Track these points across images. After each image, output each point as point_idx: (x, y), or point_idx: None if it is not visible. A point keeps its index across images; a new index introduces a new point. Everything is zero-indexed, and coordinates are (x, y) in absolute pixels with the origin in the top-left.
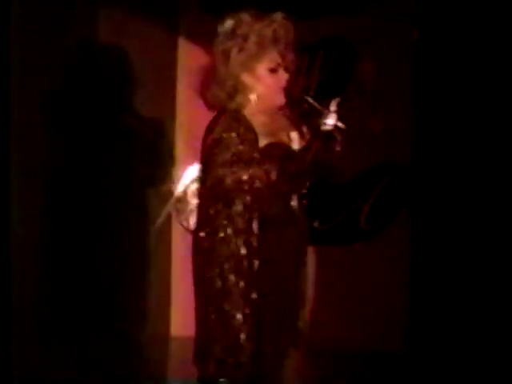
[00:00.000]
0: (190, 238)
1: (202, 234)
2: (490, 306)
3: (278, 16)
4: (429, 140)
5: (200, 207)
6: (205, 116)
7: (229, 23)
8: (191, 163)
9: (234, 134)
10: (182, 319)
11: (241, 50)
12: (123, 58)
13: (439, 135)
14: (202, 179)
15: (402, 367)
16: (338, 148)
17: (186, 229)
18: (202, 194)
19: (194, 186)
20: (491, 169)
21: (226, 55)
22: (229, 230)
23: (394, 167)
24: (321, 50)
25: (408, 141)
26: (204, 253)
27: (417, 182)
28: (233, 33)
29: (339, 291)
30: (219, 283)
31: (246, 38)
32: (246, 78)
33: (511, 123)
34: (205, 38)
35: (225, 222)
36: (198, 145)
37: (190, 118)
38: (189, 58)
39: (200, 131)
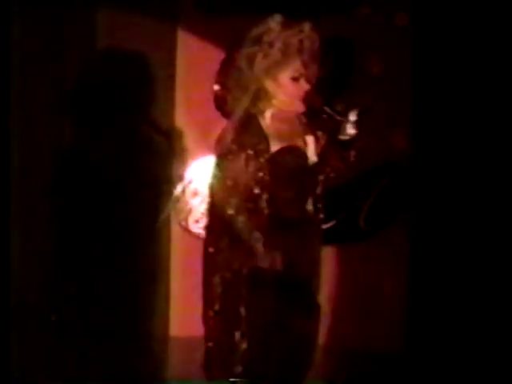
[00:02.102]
0: (189, 237)
1: (209, 238)
2: (489, 306)
3: (306, 26)
4: (428, 140)
5: (210, 211)
6: (204, 116)
7: (256, 28)
8: (190, 163)
9: (246, 143)
10: (181, 319)
11: (266, 56)
12: (122, 58)
13: (439, 135)
14: (213, 185)
15: (401, 367)
16: (352, 158)
17: (185, 228)
18: (211, 196)
19: (193, 186)
20: (492, 169)
21: (251, 60)
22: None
23: (394, 167)
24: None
25: (407, 141)
26: (212, 256)
27: (416, 181)
28: (259, 38)
29: (338, 291)
30: (225, 288)
31: (271, 45)
32: (269, 84)
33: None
34: (204, 38)
35: (234, 227)
36: (197, 144)
37: (189, 117)
38: (188, 58)
39: (199, 131)
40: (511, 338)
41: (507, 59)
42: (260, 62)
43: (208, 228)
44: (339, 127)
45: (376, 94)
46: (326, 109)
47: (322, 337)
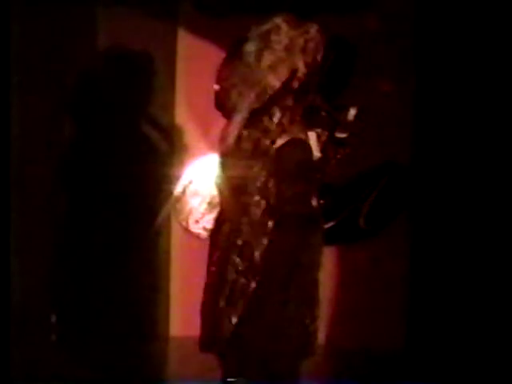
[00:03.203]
0: (189, 237)
1: (216, 236)
2: (489, 305)
3: (313, 27)
4: (428, 139)
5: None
6: (204, 116)
7: (265, 26)
8: (190, 163)
9: (252, 138)
10: (181, 319)
11: (272, 53)
12: (122, 58)
13: (439, 135)
14: (219, 178)
15: (401, 366)
16: (348, 156)
17: (185, 228)
18: (219, 191)
19: (193, 186)
20: (491, 169)
21: (259, 56)
22: (245, 230)
23: (393, 167)
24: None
25: (407, 141)
26: (218, 255)
27: (416, 181)
28: (267, 35)
29: (338, 291)
30: (226, 281)
31: (278, 43)
32: (273, 81)
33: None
34: (204, 38)
35: (241, 221)
36: (198, 144)
37: (189, 117)
38: (188, 58)
39: (199, 130)
40: (511, 337)
41: (506, 62)
42: (267, 59)
43: (214, 228)
44: (337, 125)
45: (376, 94)
46: (325, 106)
47: (322, 336)
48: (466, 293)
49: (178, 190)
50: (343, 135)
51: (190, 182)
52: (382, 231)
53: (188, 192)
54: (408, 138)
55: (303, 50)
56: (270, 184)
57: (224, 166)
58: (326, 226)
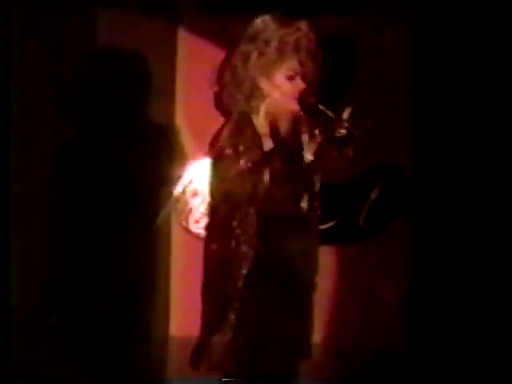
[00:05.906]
0: (189, 237)
1: (209, 239)
2: (489, 305)
3: (303, 24)
4: (428, 141)
5: (209, 212)
6: (204, 116)
7: (253, 26)
8: (190, 163)
9: (240, 143)
10: (181, 319)
11: (261, 54)
12: (122, 58)
13: (439, 136)
14: (210, 184)
15: (401, 367)
16: (350, 153)
17: (185, 228)
18: (210, 198)
19: (193, 186)
20: (490, 170)
21: (246, 57)
22: (237, 232)
23: (393, 168)
24: (320, 50)
25: (407, 141)
26: (212, 258)
27: (416, 182)
28: (255, 36)
29: (338, 291)
30: (227, 288)
31: (267, 43)
32: (264, 82)
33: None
34: (204, 37)
35: (232, 226)
36: (197, 144)
37: (189, 117)
38: (188, 57)
39: (199, 131)
40: (511, 337)
41: (506, 63)
42: (255, 61)
43: (208, 229)
44: (334, 124)
45: (377, 95)
46: (320, 106)
47: (322, 336)
48: (467, 293)
49: (178, 190)
50: (341, 134)
51: (190, 182)
52: (381, 231)
53: (188, 192)
54: (408, 139)
55: (296, 49)
56: (260, 187)
57: (214, 168)
58: (326, 225)
